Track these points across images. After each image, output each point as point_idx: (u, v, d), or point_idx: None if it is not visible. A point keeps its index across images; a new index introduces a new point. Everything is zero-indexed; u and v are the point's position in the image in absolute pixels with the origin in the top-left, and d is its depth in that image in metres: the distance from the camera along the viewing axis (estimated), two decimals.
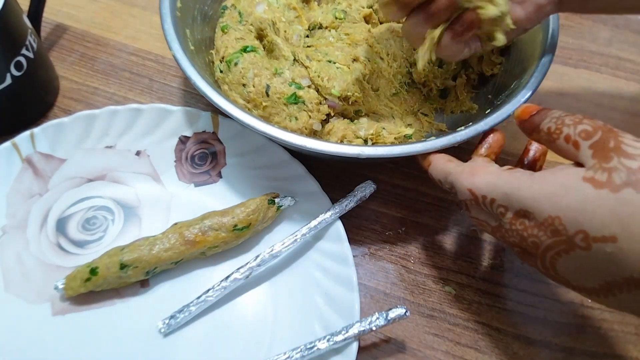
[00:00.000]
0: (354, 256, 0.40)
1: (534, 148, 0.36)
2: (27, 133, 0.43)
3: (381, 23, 0.50)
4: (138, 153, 0.45)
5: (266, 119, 0.43)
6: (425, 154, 0.38)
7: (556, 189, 0.27)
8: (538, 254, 0.29)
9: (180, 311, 0.38)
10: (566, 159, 0.30)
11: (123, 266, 0.38)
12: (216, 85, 0.43)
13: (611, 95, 0.54)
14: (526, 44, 0.45)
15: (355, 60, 0.46)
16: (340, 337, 0.36)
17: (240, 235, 0.40)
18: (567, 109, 0.53)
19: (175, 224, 0.40)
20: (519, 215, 0.29)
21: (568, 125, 0.29)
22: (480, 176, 0.32)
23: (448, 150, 0.38)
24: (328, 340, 0.35)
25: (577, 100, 0.53)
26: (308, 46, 0.47)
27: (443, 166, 0.36)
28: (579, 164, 0.28)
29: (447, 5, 0.34)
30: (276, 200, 0.42)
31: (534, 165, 0.36)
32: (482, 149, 0.37)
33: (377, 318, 0.36)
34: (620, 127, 0.53)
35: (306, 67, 0.44)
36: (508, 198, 0.30)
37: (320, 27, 0.49)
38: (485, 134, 0.38)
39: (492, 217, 0.32)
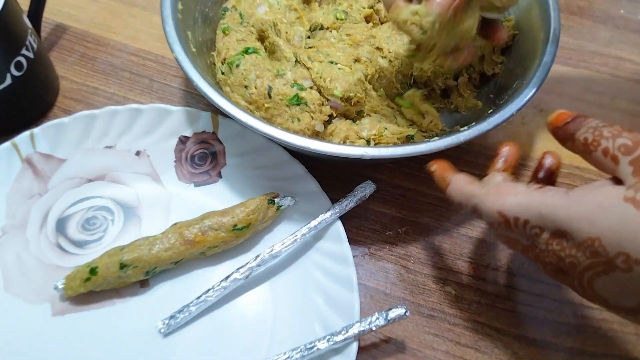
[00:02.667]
0: (354, 256, 0.40)
1: (548, 162, 0.35)
2: (27, 133, 0.43)
3: (382, 23, 0.50)
4: (138, 153, 0.45)
5: (268, 121, 0.43)
6: (443, 175, 0.36)
7: (596, 210, 0.26)
8: (575, 274, 0.28)
9: (180, 311, 0.38)
10: (603, 172, 0.29)
11: (123, 266, 0.38)
12: (218, 87, 0.43)
13: (611, 95, 0.54)
14: (527, 43, 0.45)
15: (356, 60, 0.46)
16: (340, 337, 0.36)
17: (240, 235, 0.40)
18: (567, 108, 0.52)
19: (175, 224, 0.40)
20: (556, 236, 0.28)
21: (606, 138, 0.28)
22: (510, 197, 0.30)
23: (450, 150, 0.38)
24: (328, 340, 0.35)
25: (577, 100, 0.53)
26: (309, 47, 0.47)
27: (464, 188, 0.34)
28: (617, 179, 0.27)
29: None
30: (276, 200, 0.42)
31: (549, 179, 0.34)
32: (499, 164, 0.35)
33: (377, 318, 0.36)
34: (620, 127, 0.53)
35: (308, 68, 0.44)
36: (543, 219, 0.28)
37: (322, 28, 0.49)
38: (499, 148, 0.36)
39: (524, 236, 0.30)
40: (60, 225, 0.42)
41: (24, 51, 0.44)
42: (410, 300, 0.41)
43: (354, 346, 0.36)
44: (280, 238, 0.41)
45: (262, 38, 0.47)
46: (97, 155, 0.45)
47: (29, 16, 0.48)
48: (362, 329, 0.36)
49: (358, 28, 0.48)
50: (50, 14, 0.55)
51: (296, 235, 0.40)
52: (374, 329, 0.36)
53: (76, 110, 0.47)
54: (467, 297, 0.42)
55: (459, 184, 0.34)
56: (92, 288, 0.38)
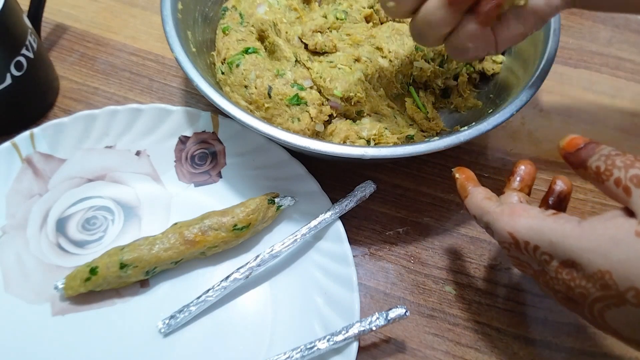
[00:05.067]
0: (354, 256, 0.40)
1: (559, 187, 0.34)
2: (27, 133, 0.43)
3: (382, 23, 0.50)
4: (138, 153, 0.45)
5: (268, 121, 0.43)
6: (465, 185, 0.36)
7: (607, 242, 0.26)
8: (586, 305, 0.28)
9: (180, 311, 0.38)
10: (616, 201, 0.28)
11: (123, 266, 0.38)
12: (218, 87, 0.43)
13: (611, 95, 0.54)
14: (527, 42, 0.45)
15: (356, 60, 0.46)
16: (340, 337, 0.36)
17: (240, 235, 0.40)
18: (567, 109, 0.53)
19: (175, 223, 0.40)
20: (566, 265, 0.28)
21: (619, 168, 0.27)
22: (523, 220, 0.30)
23: (450, 150, 0.38)
24: (328, 340, 0.35)
25: (577, 100, 0.53)
26: None
27: (481, 202, 0.33)
28: (629, 210, 0.27)
29: None
30: (276, 200, 0.42)
31: (559, 205, 0.34)
32: (515, 183, 0.35)
33: (377, 318, 0.36)
34: (620, 127, 0.53)
35: (308, 68, 0.44)
36: (553, 247, 0.28)
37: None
38: (515, 166, 0.36)
39: (534, 261, 0.30)
40: (60, 225, 0.42)
41: (24, 51, 0.43)
42: (410, 300, 0.41)
43: (354, 346, 0.36)
44: (280, 238, 0.41)
45: (262, 38, 0.47)
46: (97, 155, 0.45)
47: (29, 16, 0.48)
48: (362, 329, 0.36)
49: (358, 28, 0.48)
50: (50, 14, 0.55)
51: (296, 235, 0.40)
52: (374, 329, 0.36)
53: (76, 110, 0.47)
54: (467, 297, 0.42)
55: (477, 198, 0.34)
56: (92, 288, 0.38)
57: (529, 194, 0.35)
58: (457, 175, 0.37)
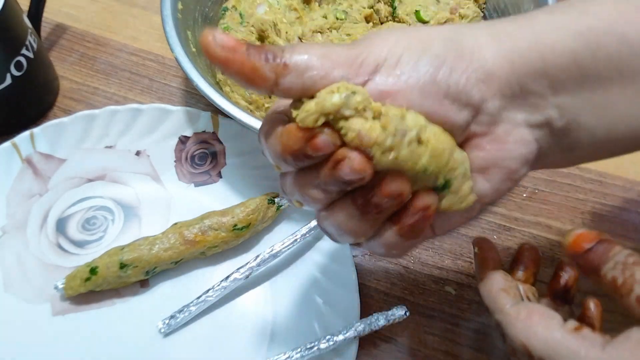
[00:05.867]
0: (353, 256, 0.40)
1: (566, 276, 0.31)
2: (27, 133, 0.43)
3: (382, 23, 0.50)
4: (138, 153, 0.45)
5: None
6: (483, 264, 0.31)
7: None
8: None
9: (180, 311, 0.38)
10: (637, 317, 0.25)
11: (123, 265, 0.38)
12: (218, 87, 0.43)
13: None
14: None
15: None
16: (340, 337, 0.36)
17: (240, 235, 0.40)
18: None
19: (175, 223, 0.40)
20: None
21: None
22: (539, 332, 0.26)
23: None
24: (328, 340, 0.36)
25: None
26: None
27: (495, 295, 0.29)
28: None
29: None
30: (276, 199, 0.42)
31: (567, 295, 0.31)
32: (519, 273, 0.32)
33: (377, 318, 0.36)
34: None
35: None
36: None
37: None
38: (518, 253, 0.33)
39: None
40: (61, 225, 0.42)
41: (24, 51, 0.43)
42: (410, 300, 0.41)
43: (354, 346, 0.36)
44: (280, 238, 0.41)
45: (262, 38, 0.47)
46: (97, 155, 0.45)
47: (29, 16, 0.48)
48: (362, 329, 0.36)
49: (358, 28, 0.48)
50: (50, 14, 0.55)
51: (296, 235, 0.40)
52: (374, 329, 0.36)
53: (76, 110, 0.47)
54: (467, 297, 0.42)
55: (492, 287, 0.30)
56: (92, 288, 0.38)
57: (533, 282, 0.32)
58: (475, 250, 0.33)
